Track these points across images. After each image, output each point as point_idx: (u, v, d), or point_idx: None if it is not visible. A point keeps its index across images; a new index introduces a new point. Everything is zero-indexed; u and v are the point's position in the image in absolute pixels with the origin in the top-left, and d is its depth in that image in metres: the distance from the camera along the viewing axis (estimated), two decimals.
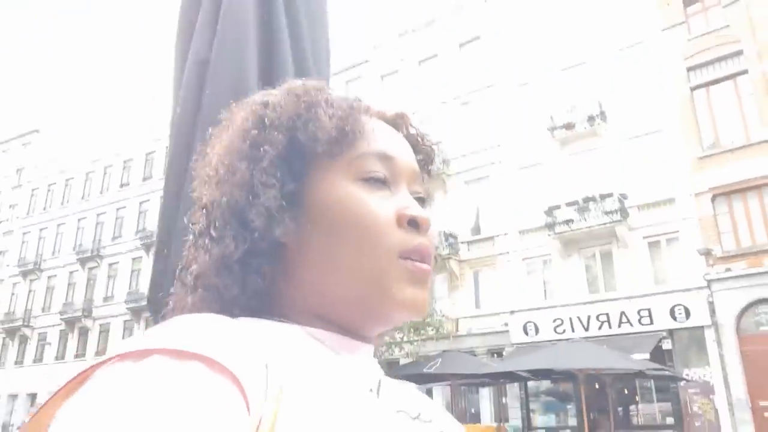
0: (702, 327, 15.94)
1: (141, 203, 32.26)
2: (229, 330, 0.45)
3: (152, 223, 30.77)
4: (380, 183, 0.57)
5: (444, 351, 17.29)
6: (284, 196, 0.55)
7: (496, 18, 22.67)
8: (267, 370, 0.44)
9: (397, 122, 0.64)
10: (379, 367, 0.60)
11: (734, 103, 17.55)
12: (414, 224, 0.56)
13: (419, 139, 0.66)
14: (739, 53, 17.69)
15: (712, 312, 15.86)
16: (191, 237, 0.59)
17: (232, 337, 0.44)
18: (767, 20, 17.32)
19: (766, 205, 16.27)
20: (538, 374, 12.57)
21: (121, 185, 33.62)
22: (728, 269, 16.01)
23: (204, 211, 0.58)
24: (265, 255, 0.55)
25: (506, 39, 22.15)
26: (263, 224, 0.54)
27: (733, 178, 16.61)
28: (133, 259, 30.87)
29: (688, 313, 16.10)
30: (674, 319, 16.27)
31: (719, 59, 17.96)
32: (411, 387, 0.63)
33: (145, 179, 32.63)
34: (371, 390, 0.55)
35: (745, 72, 17.52)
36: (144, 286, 29.24)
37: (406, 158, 0.60)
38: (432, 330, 18.66)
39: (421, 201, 0.61)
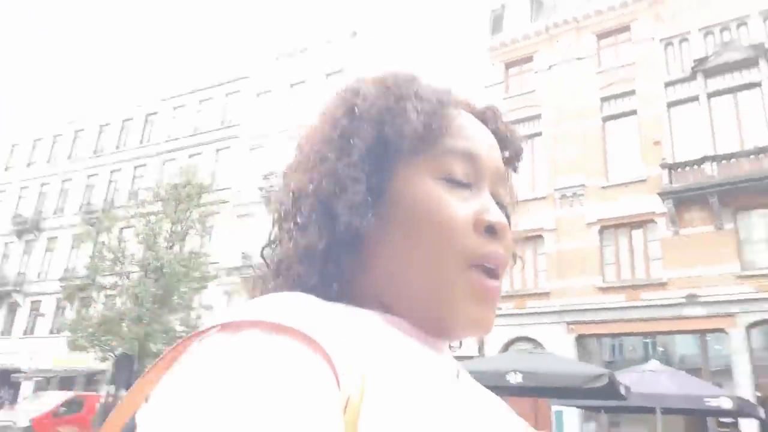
0: (472, 357, 19.62)
1: (89, 176, 31.51)
2: (321, 309, 0.48)
3: (98, 200, 29.66)
4: (462, 183, 0.57)
5: None
6: (369, 190, 0.56)
7: (360, 53, 24.62)
8: (356, 350, 0.45)
9: (487, 115, 0.65)
10: (454, 359, 0.60)
11: (528, 162, 20.14)
12: (491, 230, 0.56)
13: (508, 134, 0.66)
14: (538, 116, 20.07)
15: (481, 345, 19.51)
16: (275, 215, 0.61)
17: (324, 316, 0.46)
18: (562, 89, 19.54)
19: (538, 251, 19.37)
20: None
21: (69, 157, 32.63)
22: (499, 308, 19.38)
23: (291, 195, 0.59)
24: (346, 246, 0.56)
25: (367, 74, 24.20)
26: (349, 217, 0.55)
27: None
28: (74, 235, 28.62)
29: (460, 343, 19.65)
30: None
31: (524, 120, 20.36)
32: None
33: (96, 153, 32.40)
34: (456, 377, 0.57)
35: (539, 134, 19.99)
36: (81, 265, 26.85)
37: (492, 157, 0.61)
38: None
39: (503, 207, 0.61)
